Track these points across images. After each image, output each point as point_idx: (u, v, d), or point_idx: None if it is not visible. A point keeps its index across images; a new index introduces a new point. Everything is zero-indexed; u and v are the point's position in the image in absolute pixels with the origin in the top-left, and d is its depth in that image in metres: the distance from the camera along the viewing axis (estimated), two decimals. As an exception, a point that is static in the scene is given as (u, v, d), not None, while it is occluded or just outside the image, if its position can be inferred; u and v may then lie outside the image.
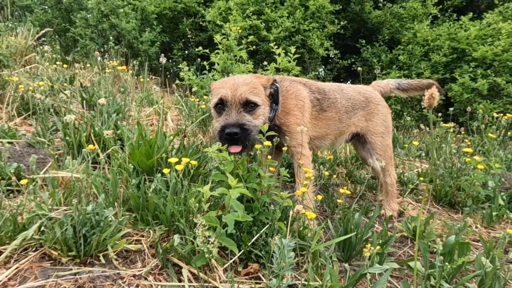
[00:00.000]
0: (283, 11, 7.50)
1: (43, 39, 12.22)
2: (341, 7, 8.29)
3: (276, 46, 4.63)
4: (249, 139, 2.12)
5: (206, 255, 1.34)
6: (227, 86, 2.16)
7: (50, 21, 10.73)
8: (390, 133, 2.96)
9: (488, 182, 3.49)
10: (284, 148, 2.20)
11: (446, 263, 1.54)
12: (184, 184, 2.03)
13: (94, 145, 2.78)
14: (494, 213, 3.11)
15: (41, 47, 5.60)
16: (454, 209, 3.45)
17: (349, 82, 10.52)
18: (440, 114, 5.73)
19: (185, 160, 1.62)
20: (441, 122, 5.28)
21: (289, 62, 4.40)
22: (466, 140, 5.03)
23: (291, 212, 1.69)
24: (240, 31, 5.02)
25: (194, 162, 1.68)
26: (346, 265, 1.68)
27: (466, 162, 3.49)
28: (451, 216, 3.31)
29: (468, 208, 3.15)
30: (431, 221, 2.81)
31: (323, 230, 2.44)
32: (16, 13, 10.86)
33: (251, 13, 7.07)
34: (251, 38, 5.42)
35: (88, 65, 5.69)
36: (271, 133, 2.13)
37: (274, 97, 2.33)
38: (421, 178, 3.72)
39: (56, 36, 10.96)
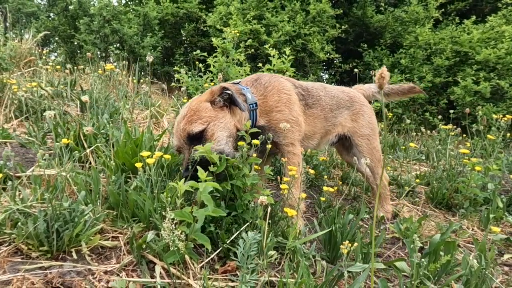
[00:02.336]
0: (284, 15, 7.51)
1: (51, 47, 12.43)
2: (342, 11, 8.29)
3: (271, 48, 4.62)
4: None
5: (172, 248, 1.30)
6: (174, 131, 2.08)
7: (56, 27, 10.91)
8: (376, 135, 2.87)
9: (488, 185, 3.41)
10: (268, 146, 2.15)
11: (423, 259, 1.48)
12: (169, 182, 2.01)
13: (81, 143, 2.78)
14: (491, 216, 3.02)
15: (41, 51, 5.67)
16: (451, 212, 3.37)
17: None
18: (440, 117, 5.65)
19: (158, 154, 1.60)
20: (440, 125, 5.20)
21: (283, 63, 4.39)
22: (467, 143, 4.94)
23: (269, 209, 1.65)
24: (238, 34, 5.03)
25: (167, 157, 1.66)
26: (324, 262, 1.63)
27: (465, 164, 3.41)
28: (447, 218, 3.23)
29: (463, 210, 3.07)
30: (424, 222, 2.75)
31: (308, 229, 2.39)
32: (23, 20, 11.07)
33: (251, 18, 7.09)
34: (249, 41, 5.42)
35: (86, 69, 5.73)
36: (254, 129, 2.08)
37: (232, 102, 2.13)
38: (417, 180, 3.65)
39: (62, 43, 11.14)
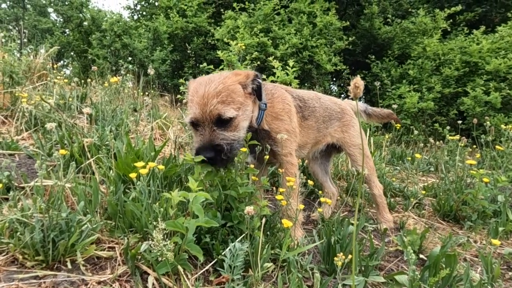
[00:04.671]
0: (291, 28, 7.59)
1: (66, 61, 12.73)
2: (349, 23, 8.33)
3: (275, 60, 4.67)
4: (228, 157, 1.95)
5: (160, 258, 1.30)
6: (197, 99, 1.92)
7: (70, 43, 11.20)
8: (366, 145, 3.00)
9: (498, 197, 3.33)
10: (266, 157, 2.15)
11: (417, 273, 1.44)
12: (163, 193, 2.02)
13: (85, 155, 2.83)
14: (500, 228, 2.93)
15: (52, 65, 5.83)
16: (459, 224, 3.28)
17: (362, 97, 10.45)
18: (449, 128, 5.56)
19: (151, 164, 1.62)
20: (448, 135, 5.12)
21: (287, 75, 4.41)
22: (477, 155, 4.84)
23: (263, 220, 1.64)
24: (243, 47, 5.10)
25: (161, 167, 1.68)
26: (318, 275, 1.60)
27: (473, 176, 3.34)
28: (455, 231, 3.15)
29: (470, 222, 2.99)
30: (428, 235, 2.68)
31: (307, 241, 2.36)
32: (39, 36, 11.43)
33: (258, 31, 7.18)
34: (255, 54, 5.49)
35: (93, 82, 5.86)
36: (254, 142, 2.08)
37: (257, 93, 2.10)
38: (423, 192, 3.57)
39: (76, 58, 11.44)
